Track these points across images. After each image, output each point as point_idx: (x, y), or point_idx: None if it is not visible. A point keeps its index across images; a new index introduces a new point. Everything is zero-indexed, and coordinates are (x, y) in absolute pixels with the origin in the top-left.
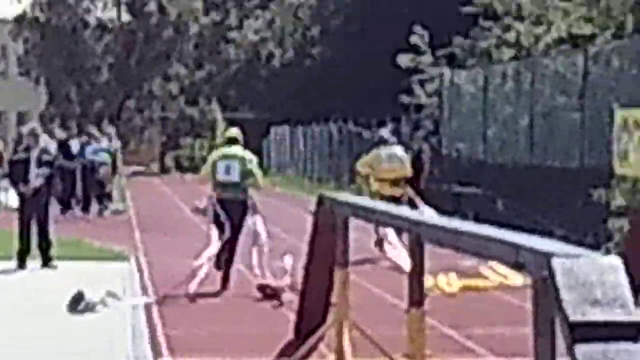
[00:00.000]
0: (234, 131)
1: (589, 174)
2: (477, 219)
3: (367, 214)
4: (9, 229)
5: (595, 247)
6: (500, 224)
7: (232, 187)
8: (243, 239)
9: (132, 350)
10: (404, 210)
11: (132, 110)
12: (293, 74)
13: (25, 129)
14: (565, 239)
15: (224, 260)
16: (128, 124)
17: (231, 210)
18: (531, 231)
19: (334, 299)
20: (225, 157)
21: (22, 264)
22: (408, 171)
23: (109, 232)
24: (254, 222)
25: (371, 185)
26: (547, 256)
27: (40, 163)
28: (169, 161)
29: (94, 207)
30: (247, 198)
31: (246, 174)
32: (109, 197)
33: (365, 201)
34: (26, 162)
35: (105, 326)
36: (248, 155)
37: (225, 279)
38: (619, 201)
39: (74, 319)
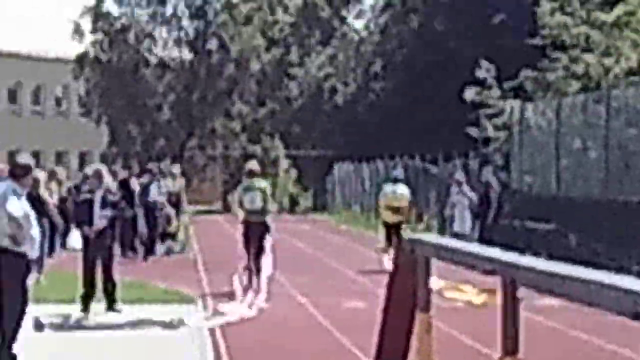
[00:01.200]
0: (251, 165)
1: None
2: (551, 257)
3: (450, 254)
4: (72, 271)
5: None
6: (574, 261)
7: (255, 213)
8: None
9: None
10: (493, 251)
11: (194, 149)
12: (356, 110)
13: (89, 170)
14: None
15: (254, 272)
16: (190, 162)
17: (255, 231)
18: (607, 268)
19: (414, 342)
20: (249, 189)
21: (85, 308)
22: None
23: (174, 273)
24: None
25: (381, 214)
26: None
27: (104, 204)
28: (231, 199)
29: (159, 247)
30: (266, 221)
31: (266, 200)
32: (173, 236)
33: (449, 241)
34: (90, 203)
35: None
36: (264, 184)
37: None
38: None
39: None
